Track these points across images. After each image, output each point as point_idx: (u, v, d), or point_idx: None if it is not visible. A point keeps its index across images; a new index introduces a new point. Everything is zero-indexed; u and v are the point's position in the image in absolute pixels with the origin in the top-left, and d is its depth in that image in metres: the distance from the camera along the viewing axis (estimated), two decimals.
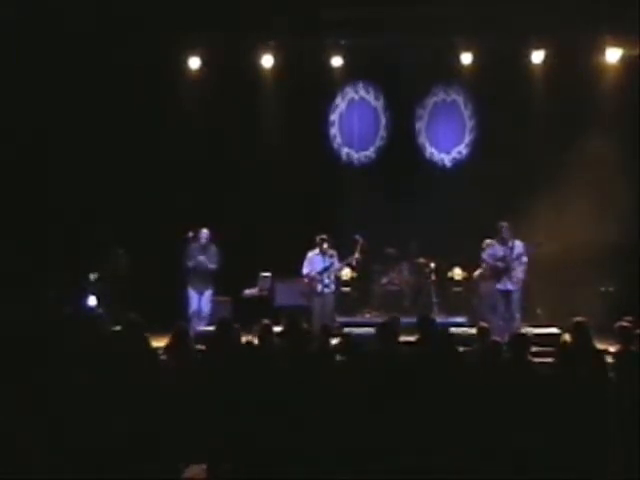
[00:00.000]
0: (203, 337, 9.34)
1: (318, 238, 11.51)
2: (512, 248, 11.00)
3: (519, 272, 10.99)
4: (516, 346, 6.69)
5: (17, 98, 11.68)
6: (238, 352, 7.00)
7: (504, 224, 11.07)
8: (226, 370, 6.70)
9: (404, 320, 8.09)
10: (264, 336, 7.17)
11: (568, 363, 6.45)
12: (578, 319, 7.02)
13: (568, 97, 13.04)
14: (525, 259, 11.05)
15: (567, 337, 6.90)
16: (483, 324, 8.00)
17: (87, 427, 5.99)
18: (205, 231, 11.79)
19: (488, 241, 11.48)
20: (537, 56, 13.11)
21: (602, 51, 12.84)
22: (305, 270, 11.42)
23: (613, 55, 12.79)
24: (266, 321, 7.43)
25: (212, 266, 11.73)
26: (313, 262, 11.44)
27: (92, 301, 11.69)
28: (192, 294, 11.77)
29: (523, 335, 7.06)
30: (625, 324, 7.06)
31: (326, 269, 11.37)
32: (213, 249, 11.80)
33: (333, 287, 11.71)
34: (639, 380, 6.47)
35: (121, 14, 11.87)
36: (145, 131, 13.11)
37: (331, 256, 11.50)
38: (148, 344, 7.01)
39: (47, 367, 6.35)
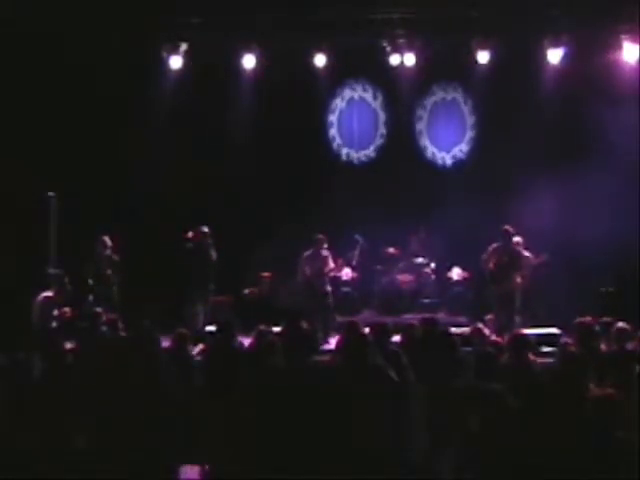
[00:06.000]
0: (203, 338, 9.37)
1: (316, 237, 11.52)
2: (512, 251, 11.00)
3: (518, 274, 10.99)
4: (516, 347, 6.67)
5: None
6: (236, 355, 7.03)
7: (507, 227, 11.07)
8: (224, 372, 6.71)
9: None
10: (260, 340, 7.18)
11: (569, 364, 6.42)
12: (580, 320, 7.02)
13: (570, 97, 13.03)
14: (525, 262, 11.06)
15: (569, 338, 6.90)
16: (479, 325, 7.99)
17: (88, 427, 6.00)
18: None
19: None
20: (539, 55, 13.07)
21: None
22: (303, 270, 11.41)
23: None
24: (262, 327, 7.44)
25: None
26: (310, 262, 11.44)
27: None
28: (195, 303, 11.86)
29: (524, 336, 7.05)
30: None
31: (321, 270, 11.39)
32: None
33: (330, 287, 11.70)
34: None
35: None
36: (144, 131, 13.11)
37: (326, 256, 11.50)
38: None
39: None
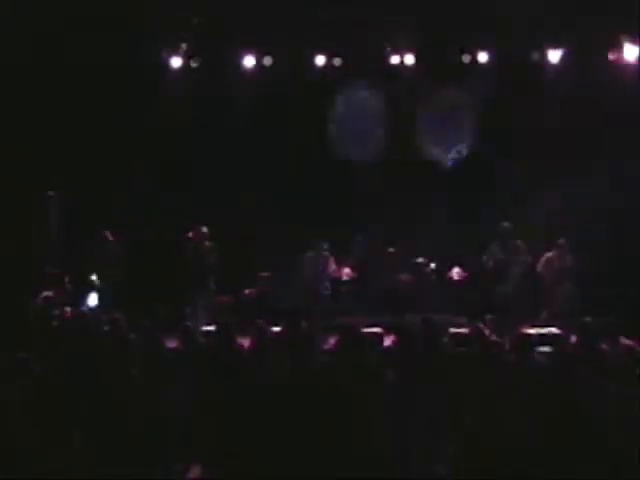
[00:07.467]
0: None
1: (316, 241, 11.55)
2: (512, 249, 11.00)
3: (519, 273, 10.98)
4: (518, 347, 6.67)
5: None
6: (236, 355, 7.04)
7: (505, 224, 11.06)
8: (224, 372, 6.72)
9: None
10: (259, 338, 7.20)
11: (570, 364, 6.44)
12: (584, 320, 7.02)
13: (570, 97, 13.03)
14: (526, 260, 11.06)
15: (572, 338, 6.90)
16: (478, 324, 7.98)
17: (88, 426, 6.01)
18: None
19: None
20: (540, 55, 13.08)
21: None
22: (303, 272, 11.46)
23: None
24: (260, 322, 7.46)
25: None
26: (311, 264, 11.48)
27: (92, 301, 11.72)
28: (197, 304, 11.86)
29: (525, 336, 7.05)
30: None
31: (321, 271, 11.42)
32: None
33: (330, 288, 11.73)
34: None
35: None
36: (144, 131, 13.11)
37: (326, 258, 11.52)
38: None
39: None
